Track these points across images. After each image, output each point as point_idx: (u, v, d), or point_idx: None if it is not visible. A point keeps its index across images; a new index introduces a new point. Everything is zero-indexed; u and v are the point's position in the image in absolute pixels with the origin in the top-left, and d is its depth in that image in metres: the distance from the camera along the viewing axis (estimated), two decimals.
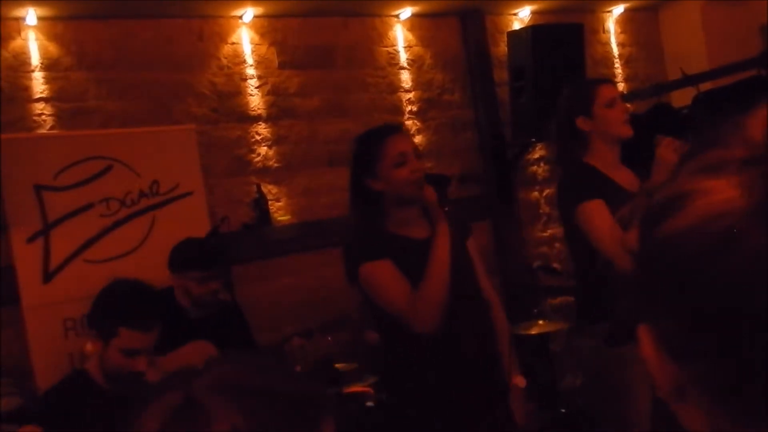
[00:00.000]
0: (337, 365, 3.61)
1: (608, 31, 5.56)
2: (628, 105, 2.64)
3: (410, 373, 2.27)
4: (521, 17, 5.10)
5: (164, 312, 2.43)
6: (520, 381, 2.24)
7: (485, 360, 2.25)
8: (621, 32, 5.61)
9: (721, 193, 0.49)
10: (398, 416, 2.31)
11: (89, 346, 2.19)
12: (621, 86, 5.55)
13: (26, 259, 3.25)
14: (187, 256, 2.93)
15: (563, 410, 4.05)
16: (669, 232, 0.51)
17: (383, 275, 2.19)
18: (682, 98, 4.64)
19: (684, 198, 0.51)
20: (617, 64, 5.57)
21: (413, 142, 2.30)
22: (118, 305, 2.17)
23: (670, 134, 2.44)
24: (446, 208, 2.11)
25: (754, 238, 0.46)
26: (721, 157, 0.51)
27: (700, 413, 0.52)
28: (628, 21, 5.62)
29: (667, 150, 2.39)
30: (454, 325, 2.16)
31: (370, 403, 3.33)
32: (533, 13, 5.09)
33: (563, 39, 4.60)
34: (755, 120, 0.52)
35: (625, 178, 2.58)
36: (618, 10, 5.51)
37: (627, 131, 2.55)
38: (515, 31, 4.81)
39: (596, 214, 2.44)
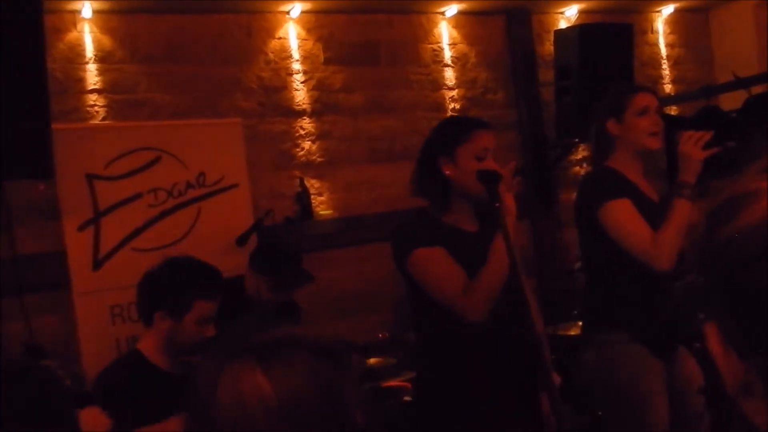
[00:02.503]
0: (374, 359, 3.66)
1: (657, 32, 5.48)
2: (663, 117, 2.57)
3: (448, 366, 2.27)
4: (568, 16, 5.05)
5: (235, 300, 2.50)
6: (555, 378, 2.24)
7: (524, 356, 2.25)
8: (670, 33, 5.53)
9: None
10: (432, 407, 2.31)
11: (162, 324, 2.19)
12: (668, 88, 5.47)
13: (77, 247, 3.34)
14: (269, 263, 3.01)
15: (600, 413, 4.02)
16: (734, 231, 0.52)
17: (439, 261, 2.20)
18: (731, 101, 4.55)
19: (748, 197, 0.52)
20: (665, 66, 5.49)
21: (495, 144, 2.30)
22: (191, 280, 2.19)
23: (721, 138, 2.39)
24: (497, 205, 2.11)
25: None
26: None
27: (764, 406, 0.53)
28: (677, 22, 5.53)
29: (688, 144, 2.34)
30: (498, 323, 2.17)
31: (407, 398, 3.35)
32: (580, 12, 5.04)
33: (611, 39, 4.55)
34: None
35: (646, 186, 2.56)
36: (667, 10, 5.43)
37: (653, 143, 2.49)
38: (563, 30, 4.77)
39: (625, 213, 2.41)
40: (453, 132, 2.30)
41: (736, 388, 0.55)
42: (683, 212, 2.29)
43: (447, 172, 2.25)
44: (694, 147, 2.33)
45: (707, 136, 2.33)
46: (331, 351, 0.89)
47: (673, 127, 2.75)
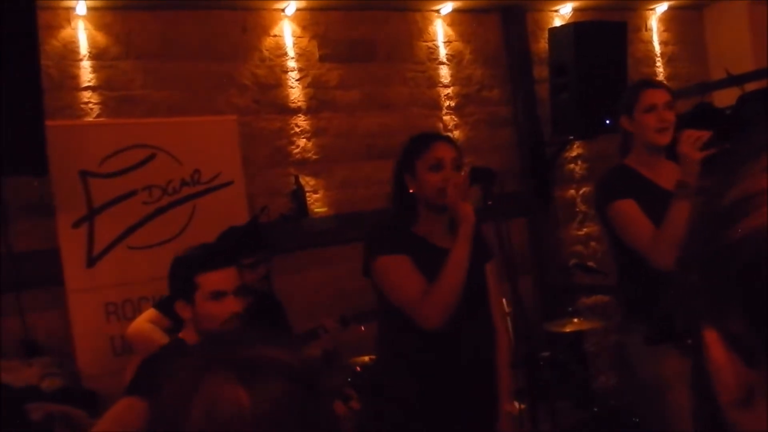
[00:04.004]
0: (364, 358, 3.64)
1: (651, 29, 5.49)
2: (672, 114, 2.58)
3: (403, 372, 2.27)
4: (562, 14, 5.06)
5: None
6: (512, 408, 2.24)
7: (479, 370, 2.25)
8: (664, 30, 5.54)
9: None
10: (382, 414, 2.33)
11: (185, 313, 2.16)
12: (662, 81, 5.49)
13: (71, 244, 3.32)
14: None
15: (596, 409, 4.03)
16: (741, 234, 0.52)
17: (400, 268, 2.21)
18: (724, 98, 4.57)
19: (753, 199, 0.51)
20: (659, 63, 5.51)
21: (456, 153, 2.30)
22: (187, 259, 2.18)
23: (715, 135, 2.40)
24: (490, 203, 2.11)
25: None
26: None
27: (765, 418, 0.52)
28: (671, 19, 5.55)
29: (687, 145, 2.35)
30: (455, 330, 2.18)
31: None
32: (575, 10, 5.05)
33: (605, 36, 4.56)
34: None
35: (666, 178, 2.56)
36: (661, 8, 5.44)
37: (660, 139, 2.52)
38: (557, 27, 4.78)
39: (629, 213, 2.46)
40: (411, 148, 2.34)
41: (734, 398, 0.54)
42: (682, 213, 2.29)
43: (411, 190, 2.28)
44: (691, 147, 2.34)
45: (705, 136, 2.33)
46: (307, 377, 0.91)
47: None
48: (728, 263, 0.52)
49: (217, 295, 2.12)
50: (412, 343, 2.24)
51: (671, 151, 2.57)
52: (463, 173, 2.27)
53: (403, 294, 2.21)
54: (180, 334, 2.23)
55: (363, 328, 3.41)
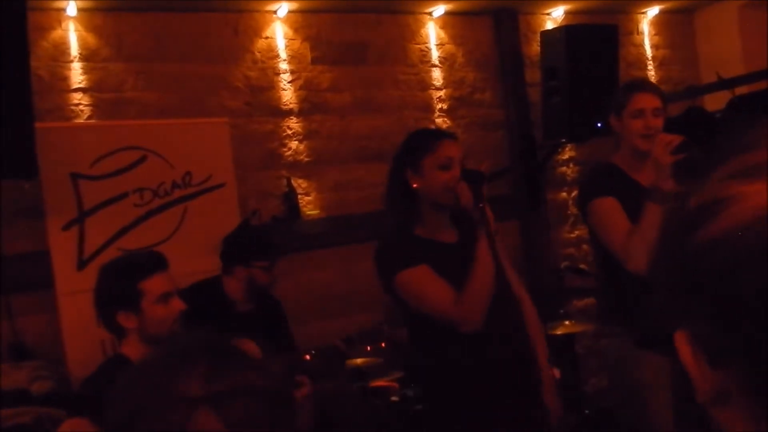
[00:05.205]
0: (360, 360, 3.64)
1: (642, 33, 5.51)
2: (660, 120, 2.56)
3: (445, 376, 2.27)
4: (554, 17, 5.07)
5: (212, 303, 2.44)
6: (554, 372, 2.25)
7: (518, 360, 2.25)
8: (655, 34, 5.56)
9: (755, 198, 0.49)
10: (432, 418, 2.32)
11: (129, 322, 2.14)
12: (655, 84, 5.51)
13: (61, 246, 3.31)
14: (251, 244, 2.97)
15: (587, 411, 4.04)
16: (706, 239, 0.52)
17: (424, 280, 2.21)
18: (715, 102, 4.59)
19: (719, 204, 0.52)
20: (650, 66, 5.52)
21: (462, 153, 2.30)
22: (128, 269, 2.16)
23: (704, 139, 2.41)
24: (481, 205, 2.11)
25: None
26: (755, 162, 0.51)
27: (741, 417, 0.52)
28: (662, 23, 5.57)
29: (659, 148, 2.35)
30: (489, 326, 2.17)
31: (394, 398, 3.35)
32: (567, 13, 5.06)
33: (597, 40, 4.58)
34: None
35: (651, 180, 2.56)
36: (653, 11, 5.46)
37: (644, 145, 2.49)
38: (549, 30, 4.79)
39: (607, 212, 2.43)
40: (418, 144, 2.32)
41: (709, 398, 0.54)
42: (653, 217, 2.27)
43: (414, 186, 2.26)
44: (663, 151, 2.33)
45: (677, 140, 2.32)
46: (287, 399, 0.90)
47: None
48: (692, 267, 0.53)
49: (165, 297, 2.11)
50: (450, 348, 2.23)
51: None
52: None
53: (434, 303, 2.20)
54: (122, 348, 2.18)
55: (369, 348, 3.40)
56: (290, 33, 4.20)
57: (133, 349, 2.15)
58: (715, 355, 0.53)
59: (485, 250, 2.13)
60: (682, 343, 0.56)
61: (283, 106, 4.15)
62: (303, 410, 2.66)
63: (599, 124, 4.19)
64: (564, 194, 5.09)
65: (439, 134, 2.41)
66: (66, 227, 3.33)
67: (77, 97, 3.64)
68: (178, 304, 2.13)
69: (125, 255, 2.24)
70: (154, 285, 2.11)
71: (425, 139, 2.32)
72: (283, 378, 0.92)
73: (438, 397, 2.31)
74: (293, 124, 4.17)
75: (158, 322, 2.10)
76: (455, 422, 2.24)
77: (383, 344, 3.40)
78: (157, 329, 2.11)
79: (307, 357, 3.51)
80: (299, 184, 4.13)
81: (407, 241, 2.28)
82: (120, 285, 2.13)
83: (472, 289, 2.14)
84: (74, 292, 3.30)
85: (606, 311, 2.63)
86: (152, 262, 2.15)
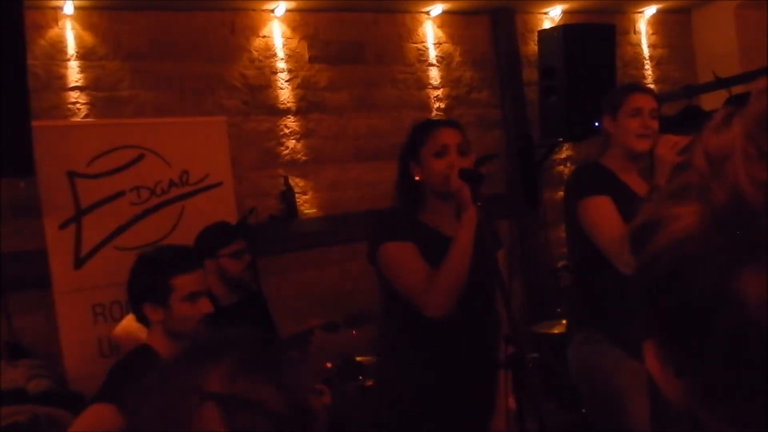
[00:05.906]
0: (358, 358, 3.64)
1: (639, 32, 5.52)
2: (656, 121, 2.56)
3: (409, 360, 2.27)
4: (552, 16, 5.08)
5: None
6: (510, 404, 2.22)
7: (483, 357, 2.25)
8: (652, 33, 5.57)
9: (683, 220, 0.51)
10: (390, 401, 2.31)
11: (154, 315, 2.15)
12: (651, 88, 5.52)
13: (58, 245, 3.31)
14: (214, 235, 2.97)
15: (583, 410, 4.04)
16: (647, 255, 0.54)
17: (404, 254, 2.19)
18: (712, 101, 4.60)
19: (657, 224, 0.53)
20: (648, 66, 5.53)
21: (461, 138, 2.28)
22: (161, 261, 2.17)
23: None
24: (478, 204, 2.10)
25: (711, 265, 0.48)
26: (684, 182, 0.53)
27: (716, 419, 0.53)
28: (659, 22, 5.58)
29: (664, 148, 2.35)
30: (460, 316, 2.16)
31: (369, 383, 3.35)
32: (564, 12, 5.07)
33: (594, 39, 4.58)
34: (706, 137, 0.53)
35: (640, 186, 2.56)
36: (650, 11, 5.47)
37: (640, 145, 2.48)
38: (546, 30, 4.80)
39: (600, 209, 2.41)
40: (415, 135, 2.31)
41: (679, 405, 0.55)
42: None
43: (417, 178, 2.26)
44: (669, 150, 2.33)
45: (684, 141, 2.33)
46: (298, 408, 0.89)
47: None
48: (640, 281, 0.54)
49: (193, 297, 2.12)
50: (419, 332, 2.22)
51: (643, 170, 2.57)
52: (469, 158, 2.25)
53: (406, 280, 2.18)
54: (146, 340, 2.20)
55: (354, 333, 3.40)
56: (288, 32, 4.20)
57: (157, 341, 2.15)
58: (669, 365, 0.54)
59: (466, 236, 2.12)
60: (648, 351, 0.57)
61: (280, 105, 4.15)
62: (318, 421, 2.66)
63: (596, 124, 4.19)
64: (561, 193, 5.09)
65: (435, 123, 2.37)
66: (63, 226, 3.33)
67: (74, 96, 3.64)
68: (205, 306, 2.13)
69: (164, 247, 2.25)
70: (184, 283, 2.11)
71: (421, 130, 2.31)
72: (302, 404, 0.91)
73: (398, 384, 2.29)
74: (290, 123, 4.17)
75: (183, 320, 2.10)
76: (409, 406, 2.23)
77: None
78: (181, 326, 2.11)
79: (328, 365, 3.53)
80: (296, 182, 4.13)
81: (405, 220, 2.28)
82: (151, 278, 2.13)
83: (443, 272, 2.12)
84: (71, 290, 3.31)
85: (583, 315, 2.58)
86: (187, 259, 2.16)
